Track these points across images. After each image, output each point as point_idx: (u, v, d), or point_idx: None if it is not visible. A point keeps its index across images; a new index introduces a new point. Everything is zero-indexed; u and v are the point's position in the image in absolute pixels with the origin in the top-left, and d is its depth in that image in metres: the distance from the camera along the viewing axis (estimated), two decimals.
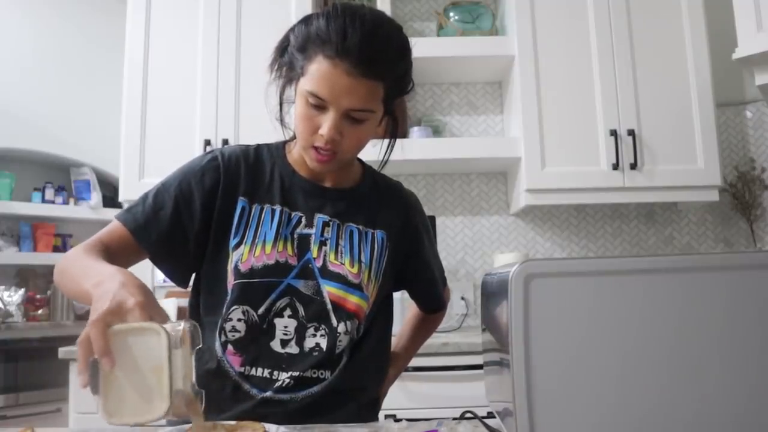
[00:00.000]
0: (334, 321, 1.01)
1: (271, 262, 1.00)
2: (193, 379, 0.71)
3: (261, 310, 1.00)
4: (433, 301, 1.30)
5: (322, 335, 1.01)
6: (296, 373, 0.99)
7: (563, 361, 0.64)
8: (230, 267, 1.01)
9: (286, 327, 1.00)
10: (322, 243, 1.04)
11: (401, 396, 1.89)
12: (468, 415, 0.92)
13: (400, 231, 1.13)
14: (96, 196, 3.90)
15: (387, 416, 1.79)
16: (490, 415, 0.85)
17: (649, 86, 2.27)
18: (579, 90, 2.28)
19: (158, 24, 2.37)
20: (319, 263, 1.03)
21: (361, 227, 1.08)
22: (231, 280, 1.01)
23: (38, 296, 3.62)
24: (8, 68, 3.54)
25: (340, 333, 1.01)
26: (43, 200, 3.77)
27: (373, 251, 1.07)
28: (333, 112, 0.94)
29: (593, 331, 0.64)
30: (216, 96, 2.31)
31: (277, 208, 1.04)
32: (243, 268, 1.00)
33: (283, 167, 1.09)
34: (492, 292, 0.79)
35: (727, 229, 2.58)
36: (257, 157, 1.09)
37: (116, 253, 0.96)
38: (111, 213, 3.91)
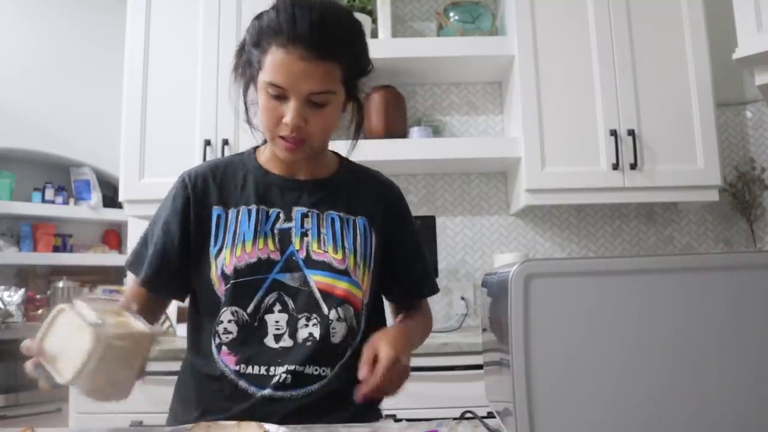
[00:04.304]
0: (325, 309, 1.02)
1: (253, 260, 1.02)
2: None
3: (250, 309, 1.01)
4: (417, 285, 1.19)
5: (314, 324, 1.01)
6: (292, 367, 0.99)
7: (563, 361, 0.64)
8: (217, 274, 1.02)
9: (277, 322, 1.01)
10: (304, 234, 1.05)
11: (401, 396, 1.89)
12: (468, 415, 0.92)
13: (381, 217, 1.12)
14: (96, 196, 3.90)
15: (387, 416, 1.79)
16: (490, 415, 0.85)
17: (649, 86, 2.27)
18: (579, 90, 2.28)
19: (158, 24, 2.37)
20: (302, 254, 1.03)
21: (342, 214, 1.08)
22: (221, 287, 1.02)
23: (38, 296, 3.62)
24: (8, 68, 3.54)
25: (332, 320, 1.01)
26: (43, 200, 3.77)
27: (356, 237, 1.07)
28: (294, 99, 0.95)
29: (593, 331, 0.64)
30: (216, 96, 2.31)
31: (253, 207, 1.06)
32: (227, 270, 1.01)
33: (255, 169, 1.10)
34: (492, 292, 0.79)
35: (727, 229, 2.58)
36: (227, 166, 1.12)
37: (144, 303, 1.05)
38: (111, 213, 3.92)
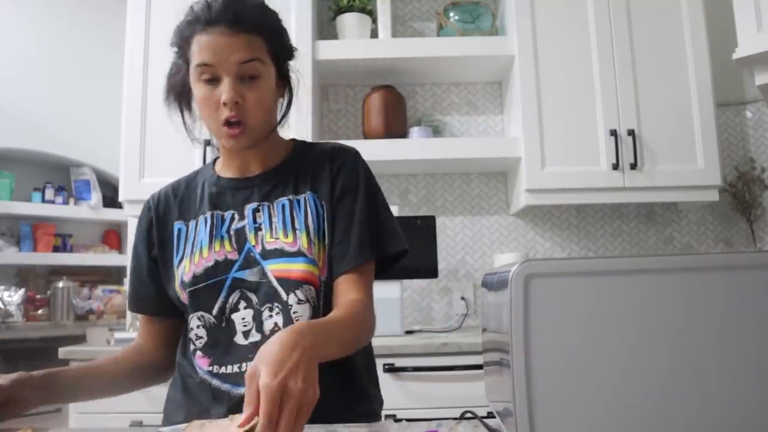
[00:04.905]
0: (283, 295, 1.01)
1: (210, 263, 1.04)
2: None
3: (215, 311, 1.03)
4: (345, 256, 1.04)
5: (277, 313, 1.01)
6: None
7: (563, 361, 0.64)
8: (178, 284, 1.05)
9: (243, 319, 1.02)
10: (257, 229, 1.05)
11: (401, 396, 1.89)
12: (468, 415, 0.92)
13: (327, 185, 1.08)
14: (96, 196, 3.90)
15: (387, 416, 1.79)
16: (490, 415, 0.85)
17: (649, 86, 2.27)
18: (579, 90, 2.28)
19: (158, 24, 2.37)
20: (258, 248, 1.04)
21: (291, 197, 1.07)
22: (184, 295, 1.05)
23: (38, 296, 3.62)
24: (8, 68, 3.54)
25: (292, 304, 1.00)
26: (43, 200, 3.77)
27: (307, 215, 1.05)
28: (226, 76, 0.99)
29: (593, 331, 0.64)
30: None
31: (208, 215, 1.08)
32: (186, 278, 1.04)
33: (209, 178, 1.13)
34: (492, 293, 0.79)
35: (727, 229, 2.58)
36: (188, 183, 1.16)
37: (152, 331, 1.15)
38: (111, 213, 3.91)
